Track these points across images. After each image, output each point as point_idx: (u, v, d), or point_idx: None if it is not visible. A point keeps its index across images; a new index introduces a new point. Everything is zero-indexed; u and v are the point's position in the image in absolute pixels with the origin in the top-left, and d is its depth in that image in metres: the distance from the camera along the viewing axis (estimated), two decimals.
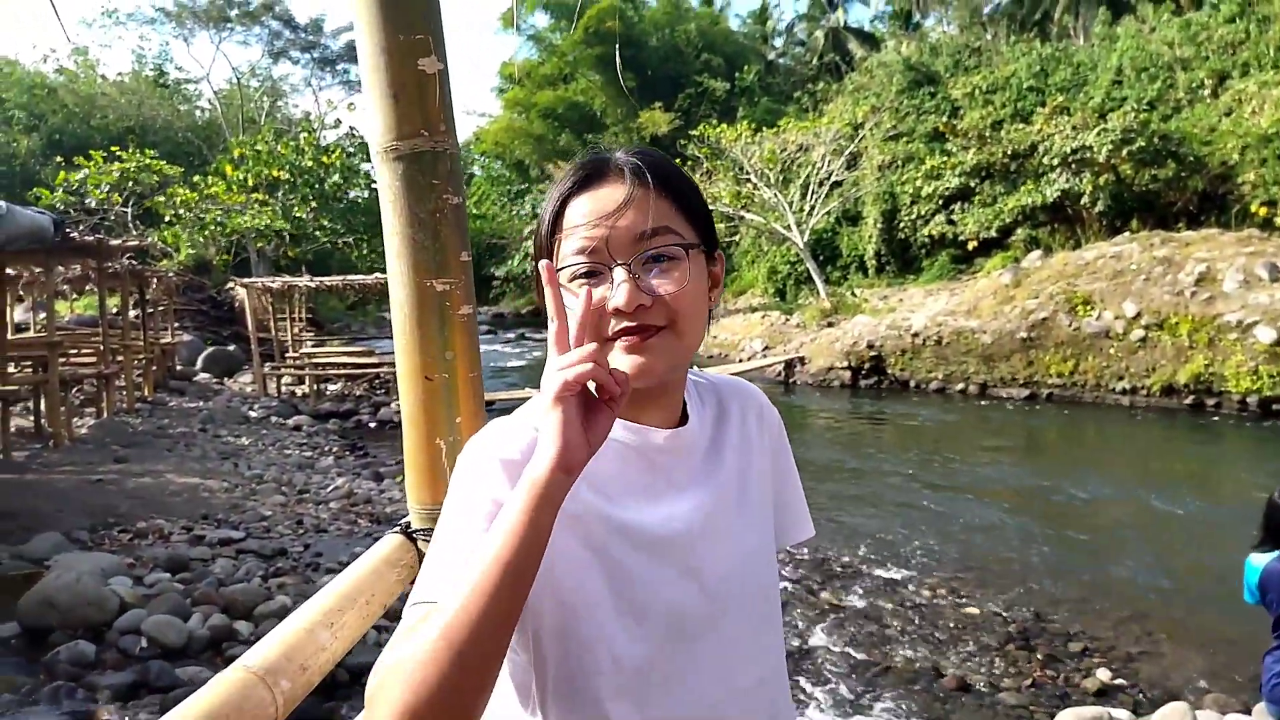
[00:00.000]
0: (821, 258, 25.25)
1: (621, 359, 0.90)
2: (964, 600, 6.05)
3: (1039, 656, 5.10)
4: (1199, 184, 18.20)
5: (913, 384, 16.34)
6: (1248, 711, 4.07)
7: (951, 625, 5.60)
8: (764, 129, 25.86)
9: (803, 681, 4.81)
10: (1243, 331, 12.75)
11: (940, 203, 22.31)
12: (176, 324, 21.54)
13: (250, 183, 25.00)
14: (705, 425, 1.04)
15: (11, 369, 9.44)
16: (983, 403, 15.05)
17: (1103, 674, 4.83)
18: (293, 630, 0.96)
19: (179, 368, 18.90)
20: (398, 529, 1.33)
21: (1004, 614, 5.77)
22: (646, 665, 0.90)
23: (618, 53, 33.64)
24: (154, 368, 15.72)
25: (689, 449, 1.00)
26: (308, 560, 6.38)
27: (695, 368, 1.08)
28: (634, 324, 0.89)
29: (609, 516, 0.92)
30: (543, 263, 0.87)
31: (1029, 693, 4.64)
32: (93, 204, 23.45)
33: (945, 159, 22.28)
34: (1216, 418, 12.78)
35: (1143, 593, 6.18)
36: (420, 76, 1.26)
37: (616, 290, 0.88)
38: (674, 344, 0.91)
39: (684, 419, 1.01)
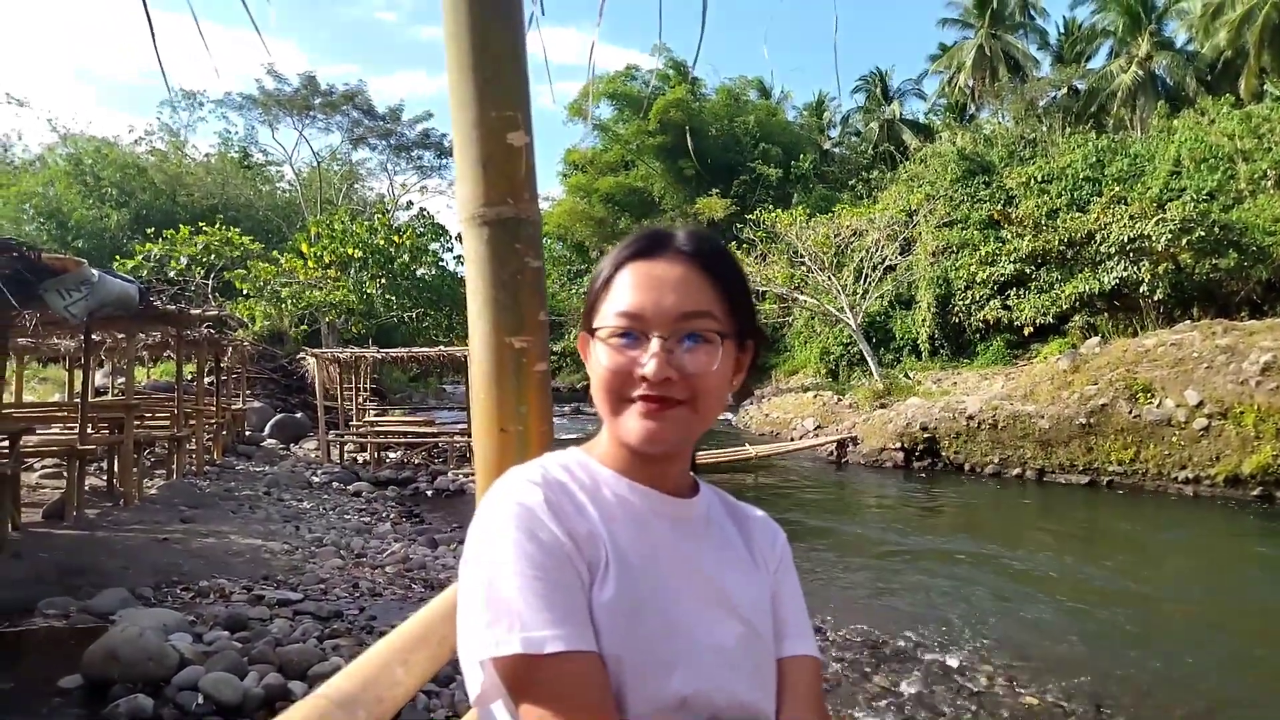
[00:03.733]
0: (874, 340, 25.21)
1: (636, 423, 0.96)
2: (1021, 690, 5.88)
3: None
4: (1262, 273, 17.93)
5: (967, 467, 16.10)
6: None
7: (1008, 715, 5.46)
8: (818, 215, 26.21)
9: None
10: None
11: (995, 288, 22.24)
12: (248, 391, 22.19)
13: (326, 259, 25.93)
14: (716, 510, 1.10)
15: (89, 430, 9.83)
16: (1040, 488, 14.76)
17: None
18: (369, 664, 0.99)
19: (248, 433, 19.40)
20: None
21: (1064, 704, 5.59)
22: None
23: (689, 140, 34.35)
24: (224, 432, 16.19)
25: (686, 522, 1.03)
26: (362, 623, 6.45)
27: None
28: (656, 394, 0.95)
29: (619, 552, 0.94)
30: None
31: None
32: (172, 274, 24.47)
33: (1000, 245, 22.28)
34: None
35: (1209, 689, 5.95)
36: (508, 149, 1.33)
37: (649, 360, 0.94)
38: (689, 418, 0.97)
39: (691, 495, 1.06)
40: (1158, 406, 14.02)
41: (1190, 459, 13.49)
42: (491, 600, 0.87)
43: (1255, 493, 12.75)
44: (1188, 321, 16.17)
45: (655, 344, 0.95)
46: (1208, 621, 7.69)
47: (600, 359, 0.98)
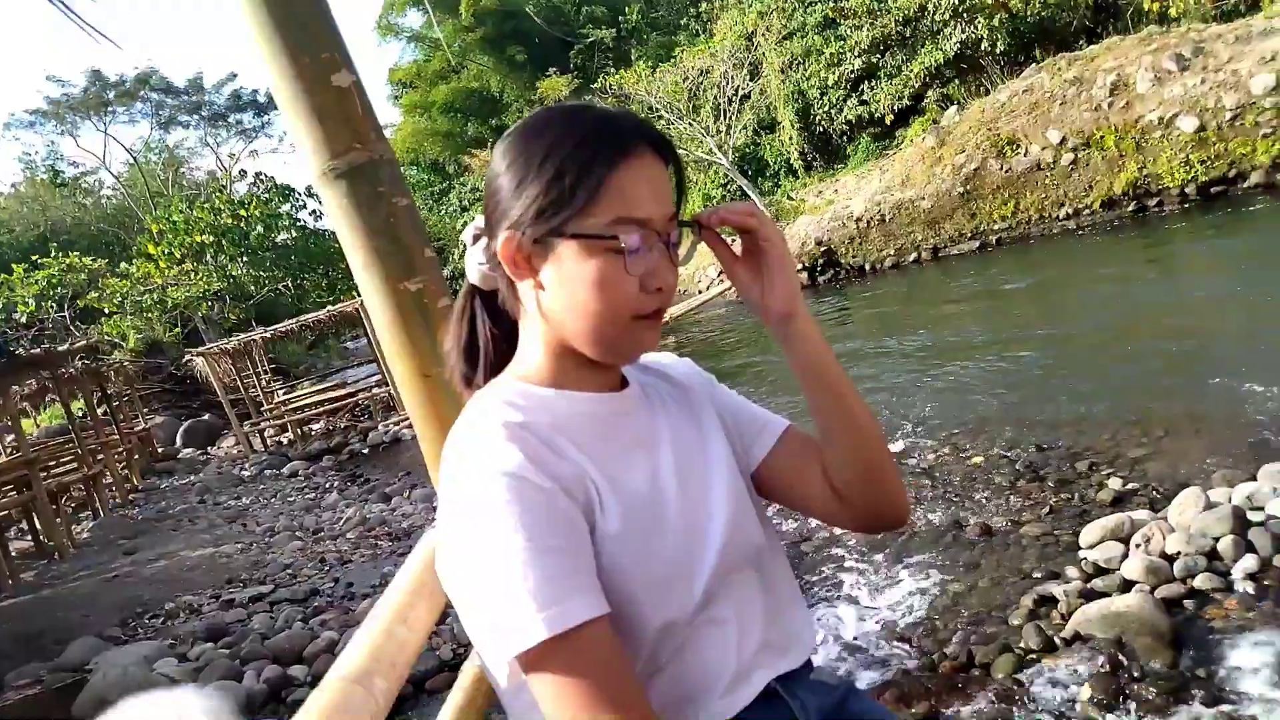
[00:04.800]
0: (750, 172, 25.30)
1: (639, 339, 0.91)
2: (967, 453, 6.20)
3: (1050, 484, 5.24)
4: None
5: (868, 267, 16.57)
6: (1254, 478, 4.27)
7: (961, 479, 5.77)
8: (661, 65, 25.75)
9: (837, 565, 5.01)
10: (1165, 127, 13.03)
11: (849, 87, 22.35)
12: (145, 409, 21.38)
13: (177, 255, 24.67)
14: (644, 380, 1.06)
15: None
16: (937, 265, 15.31)
17: (1114, 483, 4.95)
18: (372, 633, 0.97)
19: (160, 450, 18.79)
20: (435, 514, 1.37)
21: (1007, 455, 5.92)
22: (661, 635, 0.89)
23: (510, 25, 33.07)
24: (135, 457, 15.66)
25: (636, 410, 1.00)
26: (341, 593, 6.50)
27: None
28: (664, 305, 0.92)
29: (607, 478, 0.90)
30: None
31: (1049, 520, 4.76)
32: (23, 318, 23.08)
33: (842, 44, 22.27)
34: (1164, 216, 13.13)
35: (1135, 397, 6.32)
36: (338, 93, 1.26)
37: (666, 271, 0.90)
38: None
39: (622, 385, 1.02)
40: (1025, 155, 14.52)
41: (1066, 195, 14.10)
42: (504, 590, 0.79)
43: (1130, 209, 13.45)
44: (1034, 65, 16.54)
45: (661, 253, 0.90)
46: (1118, 338, 8.18)
47: (609, 272, 0.87)
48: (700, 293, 20.16)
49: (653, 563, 0.88)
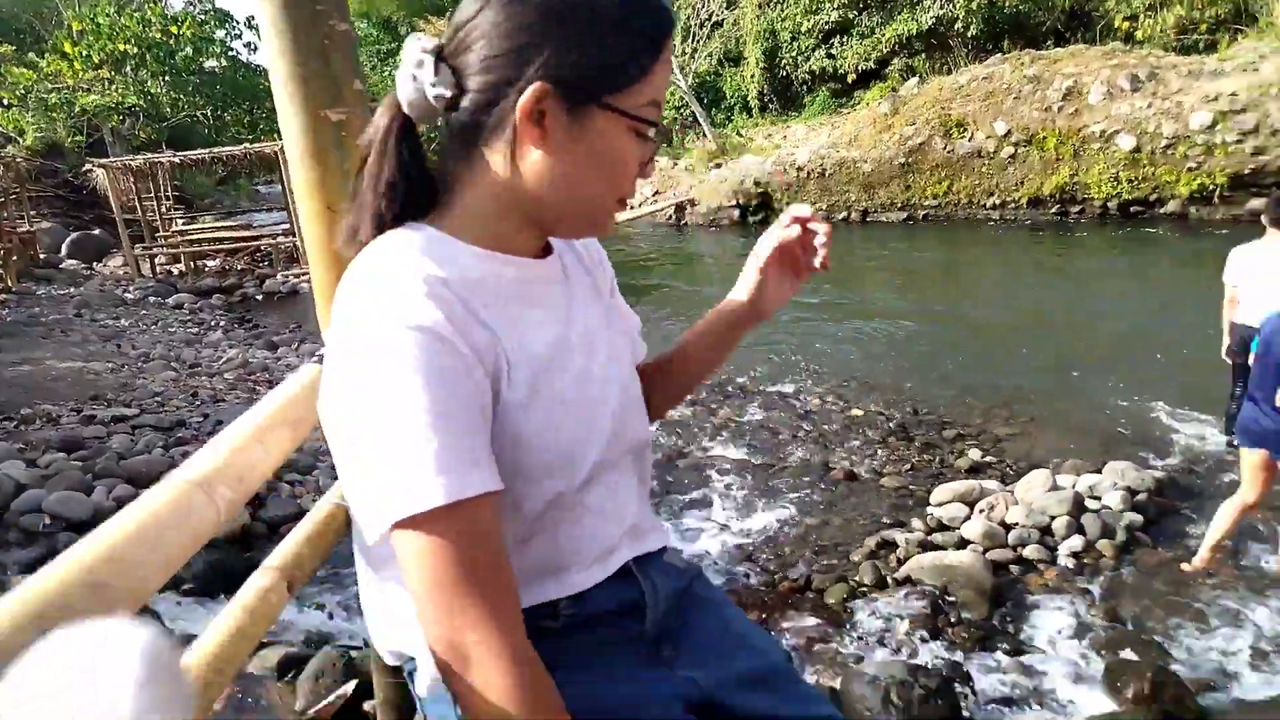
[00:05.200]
0: (705, 100, 25.04)
1: (611, 222, 0.91)
2: (849, 405, 6.49)
3: (916, 445, 5.56)
4: (1065, 2, 18.55)
5: None
6: (1099, 471, 4.61)
7: (838, 427, 6.04)
8: None
9: (705, 485, 5.18)
10: (1105, 141, 13.40)
11: (820, 37, 22.20)
12: (33, 211, 20.20)
13: (95, 59, 23.10)
14: (558, 256, 1.00)
15: None
16: (864, 229, 15.57)
17: (974, 454, 5.30)
18: (226, 446, 0.94)
19: (42, 256, 17.86)
20: (318, 360, 1.23)
21: (885, 413, 6.22)
22: (540, 510, 0.88)
23: None
24: (14, 257, 14.86)
25: (555, 279, 0.96)
26: (208, 429, 6.29)
27: None
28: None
29: (518, 346, 0.86)
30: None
31: (908, 475, 5.07)
32: None
33: None
34: (1080, 224, 13.61)
35: (1010, 385, 6.68)
36: None
37: (651, 158, 0.89)
38: None
39: (546, 252, 0.98)
40: (969, 140, 14.75)
41: (998, 186, 14.45)
42: (403, 446, 0.74)
43: (1053, 210, 13.90)
44: (999, 55, 16.71)
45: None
46: (1010, 330, 8.57)
47: (627, 152, 0.85)
48: (631, 208, 20.05)
49: (549, 436, 0.86)
